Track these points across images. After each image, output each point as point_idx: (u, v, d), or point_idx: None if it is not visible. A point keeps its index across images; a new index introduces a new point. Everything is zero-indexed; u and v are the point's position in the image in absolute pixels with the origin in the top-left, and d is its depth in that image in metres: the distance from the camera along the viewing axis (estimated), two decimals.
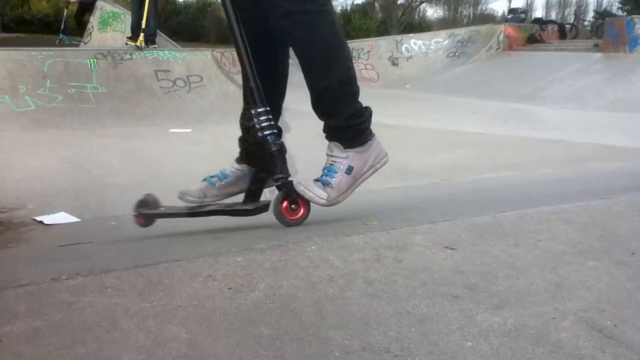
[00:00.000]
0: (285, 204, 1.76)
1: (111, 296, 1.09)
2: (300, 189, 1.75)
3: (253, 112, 1.74)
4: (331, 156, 1.79)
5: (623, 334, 0.97)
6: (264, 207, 1.82)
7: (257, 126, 1.73)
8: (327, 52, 1.72)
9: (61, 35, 12.40)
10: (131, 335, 0.95)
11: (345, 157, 1.77)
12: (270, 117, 1.75)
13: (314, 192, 1.74)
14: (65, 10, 12.82)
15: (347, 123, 1.76)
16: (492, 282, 1.16)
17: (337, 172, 1.77)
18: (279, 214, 1.76)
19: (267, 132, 1.74)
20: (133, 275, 1.18)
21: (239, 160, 1.95)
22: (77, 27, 12.29)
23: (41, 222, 2.58)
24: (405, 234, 1.43)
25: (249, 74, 1.74)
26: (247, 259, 1.26)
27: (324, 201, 1.74)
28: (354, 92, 1.78)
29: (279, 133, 1.81)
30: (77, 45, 10.18)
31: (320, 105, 1.78)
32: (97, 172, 3.96)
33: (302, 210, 1.77)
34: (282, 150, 1.76)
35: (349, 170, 1.77)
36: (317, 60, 1.73)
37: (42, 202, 2.99)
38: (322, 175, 1.79)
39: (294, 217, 1.77)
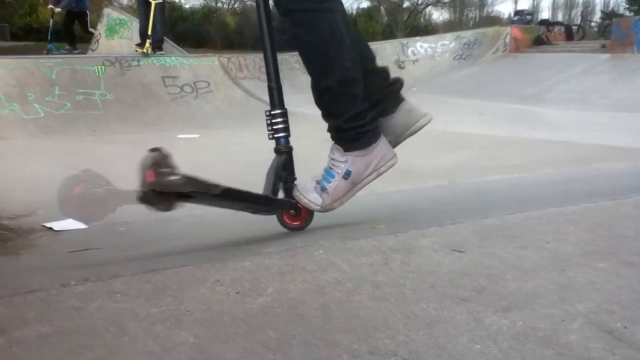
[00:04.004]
0: (287, 208, 1.75)
1: (120, 301, 1.09)
2: (296, 194, 1.73)
3: (267, 113, 1.73)
4: (331, 159, 1.75)
5: (633, 335, 0.96)
6: (281, 203, 1.73)
7: (270, 128, 1.73)
8: (326, 51, 1.65)
9: (48, 45, 11.48)
10: (139, 340, 0.95)
11: (344, 161, 1.72)
12: (286, 119, 1.74)
13: (309, 198, 1.71)
14: (51, 19, 12.46)
15: (347, 125, 1.70)
16: (500, 285, 1.16)
17: (334, 177, 1.72)
18: (281, 218, 1.76)
19: (280, 135, 1.74)
20: (141, 281, 1.18)
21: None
22: (66, 35, 11.62)
23: (50, 228, 2.60)
24: (412, 237, 1.43)
25: (272, 75, 1.72)
26: (254, 264, 1.26)
27: (318, 207, 1.71)
28: (356, 93, 1.70)
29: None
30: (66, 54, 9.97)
31: (322, 106, 1.74)
32: None
33: (303, 216, 1.75)
34: (291, 153, 1.75)
35: (347, 174, 1.71)
36: (316, 59, 1.68)
37: (51, 208, 3.00)
38: (321, 179, 1.75)
39: (295, 223, 1.75)
